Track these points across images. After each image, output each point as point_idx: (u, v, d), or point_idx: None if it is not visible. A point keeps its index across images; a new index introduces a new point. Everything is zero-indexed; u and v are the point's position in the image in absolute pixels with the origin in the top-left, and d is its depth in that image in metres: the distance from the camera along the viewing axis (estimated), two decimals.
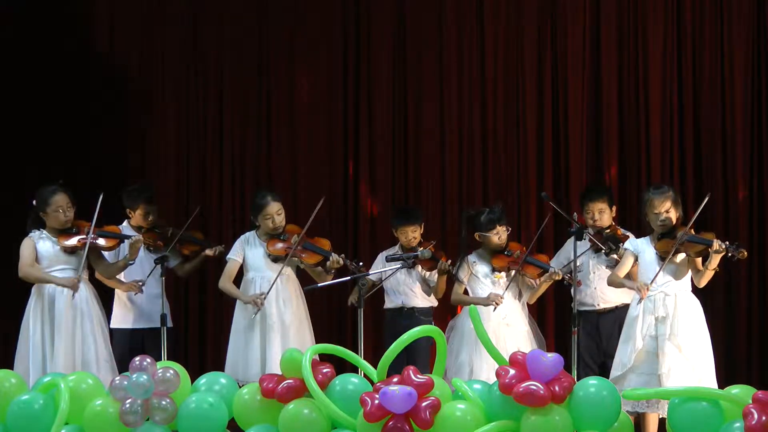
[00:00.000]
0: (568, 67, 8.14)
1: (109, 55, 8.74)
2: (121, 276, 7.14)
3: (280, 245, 6.94)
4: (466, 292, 7.07)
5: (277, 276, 6.85)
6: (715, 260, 6.37)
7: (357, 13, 8.50)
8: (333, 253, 6.86)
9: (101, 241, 6.88)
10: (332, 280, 6.94)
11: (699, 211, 6.54)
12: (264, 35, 8.60)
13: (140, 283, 7.11)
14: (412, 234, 7.16)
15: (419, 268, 7.15)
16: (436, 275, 7.08)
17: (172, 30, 8.71)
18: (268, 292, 6.84)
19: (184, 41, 8.69)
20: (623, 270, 6.64)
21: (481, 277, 6.97)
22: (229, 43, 8.63)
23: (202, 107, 8.67)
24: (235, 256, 7.03)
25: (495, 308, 6.79)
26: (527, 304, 7.05)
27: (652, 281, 6.44)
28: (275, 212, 6.94)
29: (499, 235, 6.94)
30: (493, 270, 6.95)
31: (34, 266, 6.74)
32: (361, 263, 6.94)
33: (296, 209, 7.99)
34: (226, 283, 7.05)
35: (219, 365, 7.04)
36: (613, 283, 6.73)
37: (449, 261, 6.98)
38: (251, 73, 8.61)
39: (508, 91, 8.26)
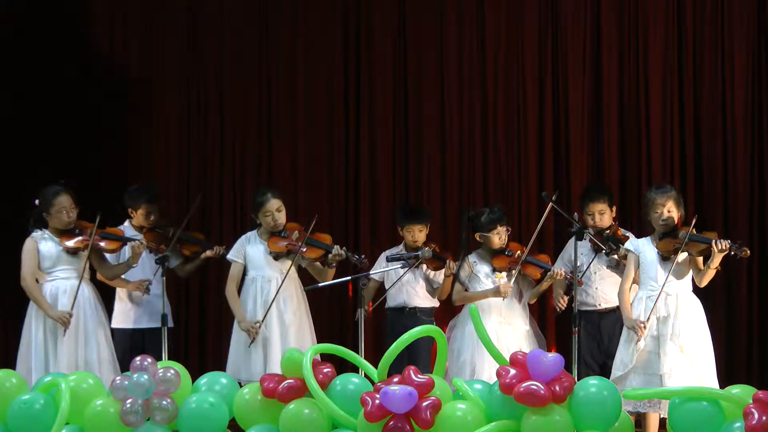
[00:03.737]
0: (568, 67, 8.15)
1: (109, 54, 8.75)
2: (127, 275, 7.13)
3: (281, 242, 6.93)
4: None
5: (263, 318, 6.82)
6: (717, 259, 6.37)
7: (357, 13, 8.50)
8: (335, 246, 6.85)
9: (103, 244, 6.89)
10: (333, 279, 6.95)
11: (692, 226, 6.52)
12: (264, 35, 8.61)
13: (147, 283, 7.11)
14: (419, 233, 7.15)
15: (424, 267, 7.15)
16: (442, 276, 7.08)
17: (172, 30, 8.71)
18: (264, 318, 6.81)
19: (184, 41, 8.70)
20: (629, 277, 6.59)
21: (482, 278, 6.96)
22: (230, 42, 8.63)
23: (203, 107, 8.68)
24: (236, 257, 7.01)
25: (504, 299, 6.80)
26: (528, 304, 7.05)
27: (646, 320, 6.40)
28: (275, 209, 6.93)
29: (499, 235, 6.93)
30: (494, 270, 6.94)
31: (35, 276, 6.74)
32: (363, 256, 6.94)
33: (296, 209, 7.98)
34: (230, 292, 6.99)
35: (220, 365, 7.03)
36: (618, 297, 6.70)
37: (456, 262, 6.98)
38: (251, 72, 8.61)
39: (508, 91, 8.27)
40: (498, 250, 6.96)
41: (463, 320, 6.93)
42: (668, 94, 7.98)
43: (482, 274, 6.96)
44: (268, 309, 6.81)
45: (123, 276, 7.10)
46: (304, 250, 6.88)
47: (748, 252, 6.39)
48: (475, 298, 6.89)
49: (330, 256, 6.85)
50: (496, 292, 6.82)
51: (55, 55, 8.55)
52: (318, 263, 6.96)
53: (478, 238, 6.99)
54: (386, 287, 7.25)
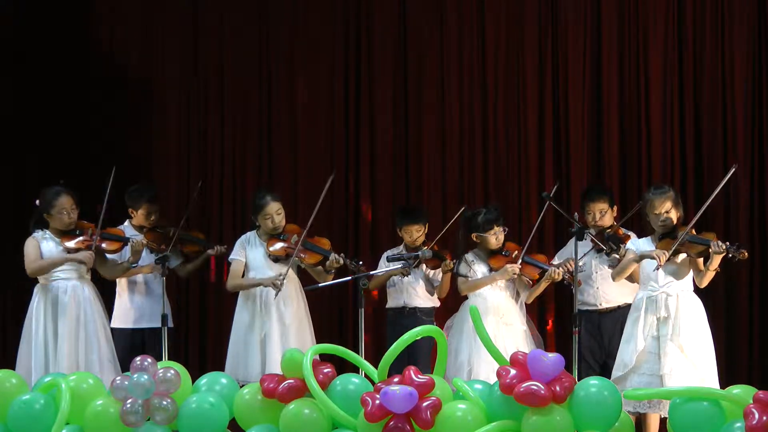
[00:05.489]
0: (568, 67, 8.15)
1: (109, 54, 8.75)
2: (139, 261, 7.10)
3: (279, 245, 6.94)
4: None
5: (287, 270, 6.83)
6: (715, 261, 6.37)
7: (357, 14, 8.50)
8: (333, 253, 6.86)
9: (104, 245, 6.89)
10: (333, 279, 6.95)
11: (721, 186, 6.49)
12: (264, 35, 8.61)
13: (160, 265, 7.03)
14: (417, 233, 7.15)
15: (423, 267, 7.15)
16: (441, 274, 7.08)
17: (172, 30, 8.72)
18: (285, 275, 6.81)
19: (184, 41, 8.70)
20: (626, 266, 6.62)
21: (479, 277, 6.95)
22: (230, 42, 8.64)
23: (203, 107, 8.68)
24: (237, 256, 7.02)
25: (502, 298, 6.79)
26: (525, 303, 7.04)
27: (671, 251, 6.38)
28: (275, 212, 6.95)
29: (496, 235, 6.92)
30: (491, 270, 6.94)
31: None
32: (361, 262, 6.94)
33: (296, 210, 7.99)
34: (233, 284, 7.02)
35: (220, 365, 7.04)
36: (617, 273, 6.68)
37: (454, 260, 6.98)
38: (251, 73, 8.62)
39: (508, 91, 8.27)
40: (495, 250, 6.95)
41: (461, 320, 6.93)
42: (668, 94, 7.98)
43: (479, 273, 6.95)
44: (287, 272, 6.78)
45: (132, 266, 7.07)
46: (304, 256, 6.88)
47: (746, 254, 6.37)
48: (481, 284, 6.87)
49: (327, 263, 6.85)
50: (504, 273, 6.79)
51: (55, 54, 8.55)
52: (317, 267, 6.97)
53: (475, 239, 6.98)
54: (387, 287, 7.26)
